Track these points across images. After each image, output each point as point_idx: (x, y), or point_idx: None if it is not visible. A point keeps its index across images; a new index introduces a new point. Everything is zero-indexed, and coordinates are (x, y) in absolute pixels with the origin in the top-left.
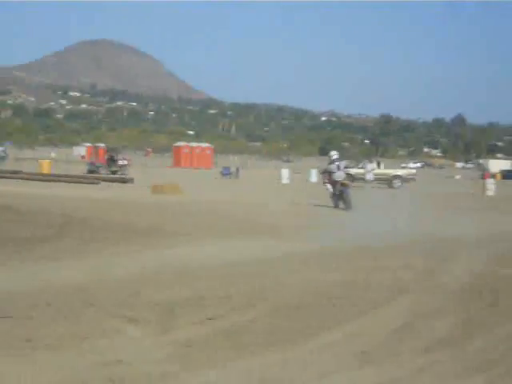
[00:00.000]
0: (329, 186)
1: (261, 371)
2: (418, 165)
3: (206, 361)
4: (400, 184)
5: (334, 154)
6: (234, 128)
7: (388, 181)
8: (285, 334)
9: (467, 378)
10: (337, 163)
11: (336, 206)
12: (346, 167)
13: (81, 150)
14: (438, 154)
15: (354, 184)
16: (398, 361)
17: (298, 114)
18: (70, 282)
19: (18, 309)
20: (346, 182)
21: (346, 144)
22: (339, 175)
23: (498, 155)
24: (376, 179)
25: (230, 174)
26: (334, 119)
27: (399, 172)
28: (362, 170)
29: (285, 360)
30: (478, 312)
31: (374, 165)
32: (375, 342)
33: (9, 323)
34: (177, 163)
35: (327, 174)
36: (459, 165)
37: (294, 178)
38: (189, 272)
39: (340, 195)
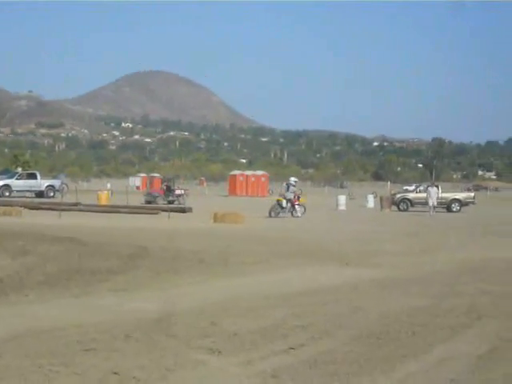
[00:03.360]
0: None
1: None
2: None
3: None
4: (459, 208)
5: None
6: (286, 155)
7: (447, 204)
8: (369, 362)
9: None
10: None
11: None
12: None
13: (136, 181)
14: (493, 177)
15: (413, 209)
16: None
17: (349, 140)
18: (146, 313)
19: (98, 341)
20: None
21: (399, 168)
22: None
23: None
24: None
25: None
26: (385, 144)
27: (458, 196)
28: (422, 195)
29: None
30: None
31: (436, 189)
32: (463, 368)
33: (93, 355)
34: (232, 191)
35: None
36: None
37: (350, 204)
38: (262, 301)
39: None
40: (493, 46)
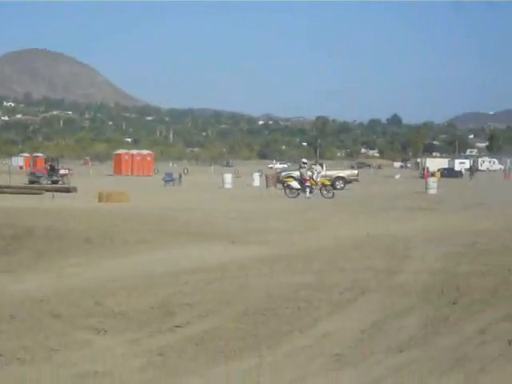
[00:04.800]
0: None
1: (239, 377)
2: (285, 165)
3: (183, 368)
4: (343, 185)
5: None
6: (171, 134)
7: (331, 182)
8: (255, 339)
9: (444, 375)
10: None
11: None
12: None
13: (19, 161)
14: (376, 155)
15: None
16: (373, 361)
17: (235, 119)
18: (30, 294)
19: None
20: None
21: (284, 147)
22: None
23: (434, 154)
24: None
25: (172, 180)
26: (270, 122)
27: (342, 173)
28: (308, 173)
29: (261, 365)
30: (442, 309)
31: (319, 167)
32: (347, 343)
33: None
34: (117, 171)
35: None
36: (397, 164)
37: (236, 182)
38: (149, 280)
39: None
40: (377, 24)
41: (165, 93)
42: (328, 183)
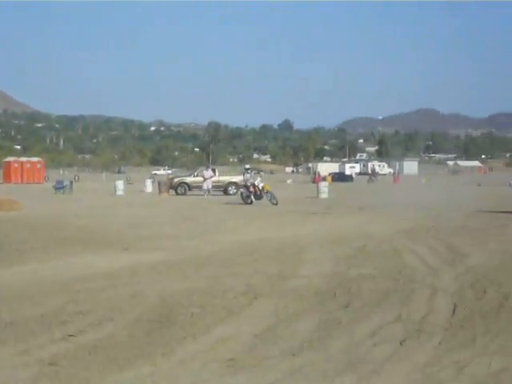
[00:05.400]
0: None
1: None
2: (169, 171)
3: (75, 378)
4: (235, 191)
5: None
6: (62, 141)
7: (224, 188)
8: (149, 346)
9: (337, 377)
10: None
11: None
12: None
13: None
14: (268, 160)
15: (191, 193)
16: (267, 365)
17: (127, 125)
18: None
19: None
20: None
21: (177, 153)
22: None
23: (325, 158)
24: (212, 187)
25: (63, 187)
26: (162, 128)
27: (234, 179)
28: (199, 178)
29: (156, 372)
30: (335, 313)
31: (211, 172)
32: (241, 348)
33: None
34: (7, 179)
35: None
36: (289, 169)
37: (129, 189)
38: (41, 288)
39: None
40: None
41: (55, 99)
42: (270, 189)
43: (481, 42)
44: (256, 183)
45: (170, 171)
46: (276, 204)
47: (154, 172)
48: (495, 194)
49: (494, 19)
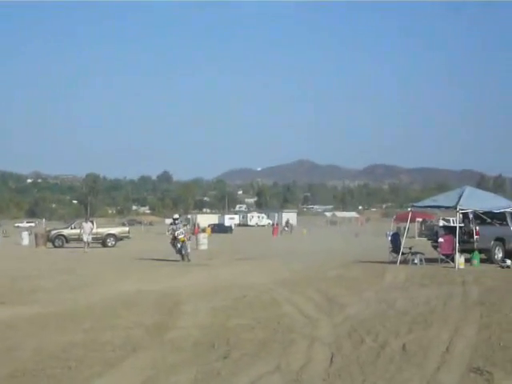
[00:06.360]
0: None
1: None
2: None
3: None
4: (114, 242)
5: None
6: None
7: (102, 240)
8: None
9: None
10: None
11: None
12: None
13: None
14: (147, 211)
15: (69, 245)
16: None
17: (3, 177)
18: None
19: None
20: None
21: (54, 205)
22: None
23: (205, 210)
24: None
25: None
26: (39, 180)
27: (113, 230)
28: (76, 231)
29: None
30: (214, 364)
31: (91, 224)
32: None
33: None
34: None
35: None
36: (168, 221)
37: (5, 241)
38: None
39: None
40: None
41: None
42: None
43: (358, 91)
44: (176, 234)
45: (32, 224)
46: (189, 261)
47: (16, 224)
48: (372, 244)
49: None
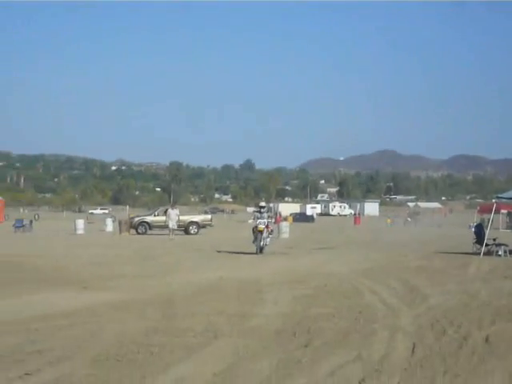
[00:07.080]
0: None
1: None
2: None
3: None
4: (196, 230)
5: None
6: (22, 180)
7: (185, 227)
8: None
9: None
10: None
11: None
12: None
13: None
14: (229, 200)
15: (151, 232)
16: None
17: (88, 164)
18: None
19: None
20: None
21: (137, 192)
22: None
23: (287, 198)
24: None
25: (23, 226)
26: (123, 168)
27: (195, 218)
28: (159, 218)
29: None
30: (295, 352)
31: (177, 211)
32: None
33: None
34: None
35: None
36: (250, 209)
37: (89, 228)
38: None
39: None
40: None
41: (15, 138)
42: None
43: (442, 83)
44: (257, 222)
45: (106, 210)
46: (261, 253)
47: (90, 211)
48: (455, 235)
49: (455, 60)
